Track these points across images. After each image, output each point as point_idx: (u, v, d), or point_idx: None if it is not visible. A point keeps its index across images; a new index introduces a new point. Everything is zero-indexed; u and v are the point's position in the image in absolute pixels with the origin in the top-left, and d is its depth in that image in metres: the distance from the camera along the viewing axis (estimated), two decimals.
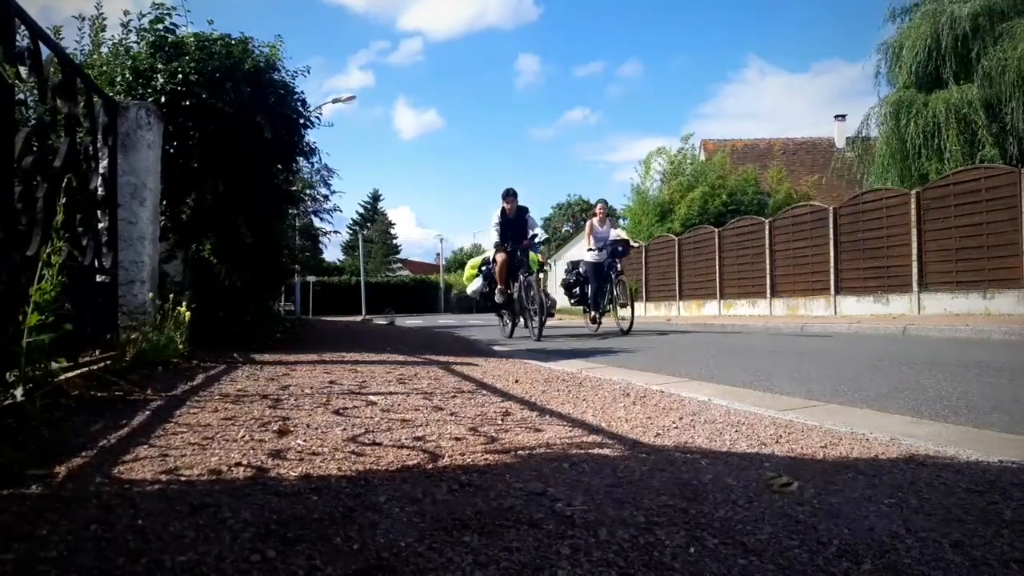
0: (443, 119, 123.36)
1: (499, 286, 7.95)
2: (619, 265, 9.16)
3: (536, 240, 7.90)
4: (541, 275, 12.76)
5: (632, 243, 9.54)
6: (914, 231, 12.21)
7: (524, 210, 8.11)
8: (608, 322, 9.67)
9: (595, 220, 9.57)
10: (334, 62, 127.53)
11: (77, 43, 5.61)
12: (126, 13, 5.21)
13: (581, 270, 9.76)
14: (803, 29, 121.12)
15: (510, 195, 8.02)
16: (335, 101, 19.29)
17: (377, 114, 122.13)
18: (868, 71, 19.98)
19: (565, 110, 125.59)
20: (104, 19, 5.50)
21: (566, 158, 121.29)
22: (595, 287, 9.29)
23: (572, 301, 10.12)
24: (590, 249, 9.40)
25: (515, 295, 7.77)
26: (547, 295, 12.48)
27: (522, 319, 7.94)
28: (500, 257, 7.88)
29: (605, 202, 10.05)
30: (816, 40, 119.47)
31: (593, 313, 9.41)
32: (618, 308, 9.11)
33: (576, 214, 62.81)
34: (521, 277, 7.76)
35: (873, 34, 30.70)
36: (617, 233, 9.46)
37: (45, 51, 2.52)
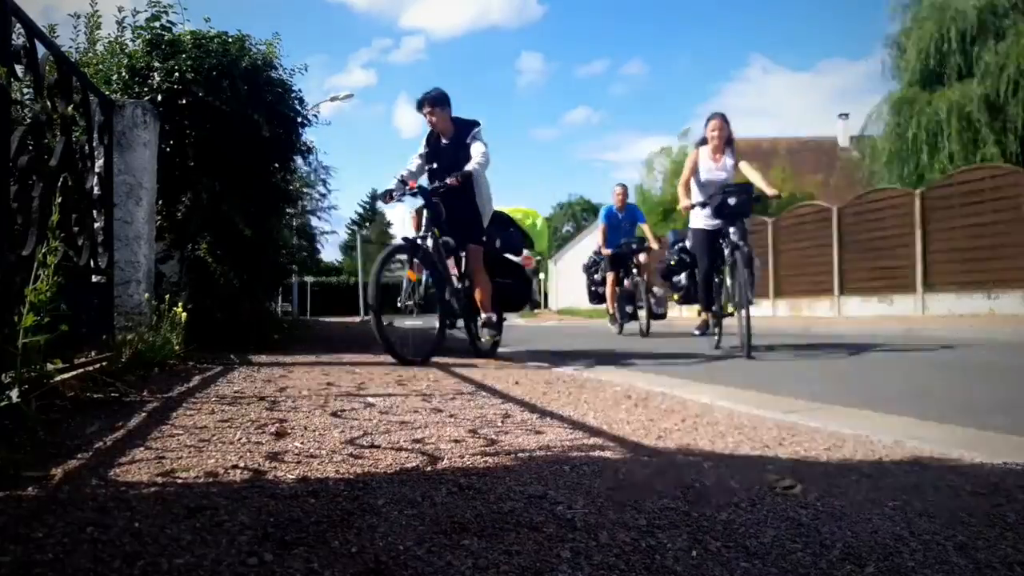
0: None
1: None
2: (737, 234, 5.25)
3: (478, 163, 4.46)
4: (643, 256, 8.48)
5: (768, 191, 5.49)
6: (918, 231, 12.21)
7: (468, 128, 4.67)
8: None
9: (704, 151, 5.58)
10: (336, 60, 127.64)
11: (72, 41, 5.60)
12: (120, 10, 5.21)
13: (688, 244, 6.03)
14: (807, 28, 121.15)
15: (429, 103, 4.64)
16: (333, 99, 19.32)
17: (378, 112, 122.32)
18: (873, 69, 20.10)
19: (568, 110, 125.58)
20: (99, 17, 5.48)
21: (568, 158, 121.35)
22: (703, 271, 5.59)
23: (677, 296, 6.36)
24: (692, 207, 5.63)
25: (450, 289, 4.57)
26: (654, 295, 8.57)
27: (469, 324, 4.92)
28: (413, 215, 4.71)
29: (723, 119, 5.74)
30: (820, 39, 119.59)
31: (705, 315, 5.81)
32: (740, 307, 5.18)
33: (577, 214, 62.83)
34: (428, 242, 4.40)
35: (878, 32, 30.78)
36: (742, 171, 5.61)
37: (41, 49, 2.51)
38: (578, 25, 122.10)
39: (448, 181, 4.42)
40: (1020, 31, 13.83)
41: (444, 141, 4.77)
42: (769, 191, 5.41)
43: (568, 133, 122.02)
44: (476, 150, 4.58)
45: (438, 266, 4.52)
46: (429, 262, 4.45)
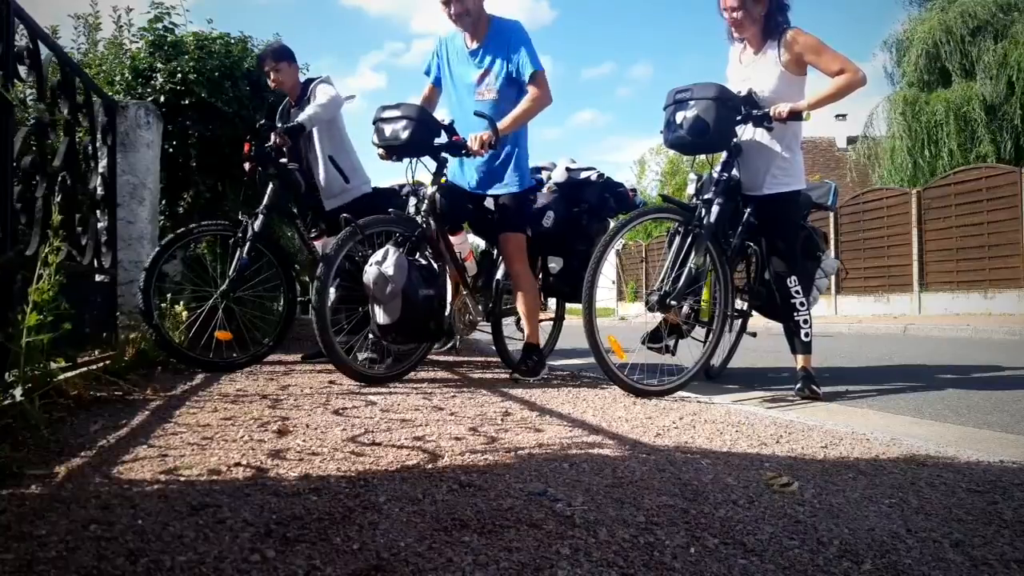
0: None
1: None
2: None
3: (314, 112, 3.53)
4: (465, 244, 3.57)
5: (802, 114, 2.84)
6: (915, 231, 12.23)
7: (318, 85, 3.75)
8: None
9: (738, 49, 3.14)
10: (348, 62, 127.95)
11: (74, 41, 5.62)
12: (115, 10, 5.23)
13: None
14: (808, 29, 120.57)
15: (273, 57, 3.86)
16: None
17: None
18: (875, 69, 19.91)
19: (573, 112, 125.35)
20: (99, 19, 5.50)
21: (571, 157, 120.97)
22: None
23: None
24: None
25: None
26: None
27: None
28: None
29: None
30: (823, 39, 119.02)
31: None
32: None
33: None
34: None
35: (881, 33, 30.54)
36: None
37: (44, 51, 2.52)
38: (587, 28, 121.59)
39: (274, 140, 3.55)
40: (1018, 31, 13.85)
41: (291, 105, 4.01)
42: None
43: (572, 134, 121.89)
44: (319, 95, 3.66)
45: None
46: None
